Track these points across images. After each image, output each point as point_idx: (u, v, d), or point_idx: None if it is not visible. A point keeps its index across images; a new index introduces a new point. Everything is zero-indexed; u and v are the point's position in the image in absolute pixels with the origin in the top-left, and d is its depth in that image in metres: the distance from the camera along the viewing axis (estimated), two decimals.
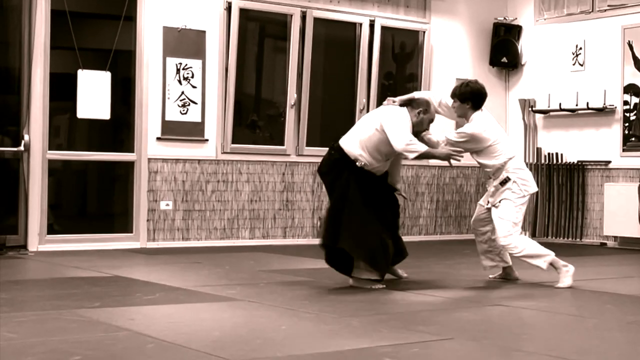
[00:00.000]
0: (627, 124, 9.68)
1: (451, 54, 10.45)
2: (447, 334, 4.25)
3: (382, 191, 6.07)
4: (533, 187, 6.15)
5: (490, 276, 6.39)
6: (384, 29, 9.85)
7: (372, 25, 9.76)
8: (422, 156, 5.87)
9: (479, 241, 6.32)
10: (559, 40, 10.29)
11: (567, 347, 4.09)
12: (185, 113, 8.68)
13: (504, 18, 10.68)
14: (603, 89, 9.79)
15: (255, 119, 9.47)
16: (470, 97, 6.09)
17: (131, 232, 8.50)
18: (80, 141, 8.81)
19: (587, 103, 9.88)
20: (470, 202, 10.48)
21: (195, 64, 8.71)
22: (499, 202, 6.08)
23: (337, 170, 5.93)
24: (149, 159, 8.53)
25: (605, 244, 9.74)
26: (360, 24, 9.73)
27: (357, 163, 5.87)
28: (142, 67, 8.49)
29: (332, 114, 9.87)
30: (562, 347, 4.05)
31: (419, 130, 6.01)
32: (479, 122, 6.08)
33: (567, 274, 6.04)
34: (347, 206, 5.80)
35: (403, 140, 5.72)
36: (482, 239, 6.29)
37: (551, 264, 6.05)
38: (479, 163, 6.21)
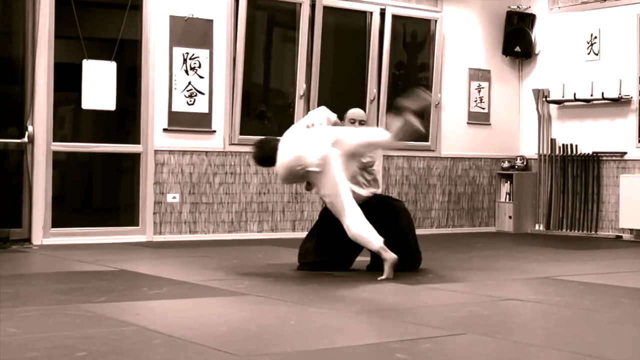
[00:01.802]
0: None
1: (463, 43, 10.34)
2: (459, 329, 4.16)
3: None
4: None
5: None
6: (395, 17, 9.75)
7: (382, 14, 9.65)
8: None
9: None
10: (573, 29, 10.15)
11: (581, 341, 4.02)
12: (192, 104, 8.60)
13: (518, 6, 10.55)
14: (618, 79, 9.67)
15: (263, 109, 9.39)
16: (264, 163, 6.42)
17: (137, 225, 8.43)
18: (85, 132, 8.74)
19: (602, 93, 9.76)
20: (483, 194, 10.39)
21: (202, 54, 8.62)
22: None
23: None
24: (155, 151, 8.45)
25: (621, 236, 9.61)
26: (371, 13, 9.62)
27: None
28: (148, 57, 8.40)
29: (342, 104, 9.66)
30: (576, 342, 3.98)
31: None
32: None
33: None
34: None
35: None
36: None
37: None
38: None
